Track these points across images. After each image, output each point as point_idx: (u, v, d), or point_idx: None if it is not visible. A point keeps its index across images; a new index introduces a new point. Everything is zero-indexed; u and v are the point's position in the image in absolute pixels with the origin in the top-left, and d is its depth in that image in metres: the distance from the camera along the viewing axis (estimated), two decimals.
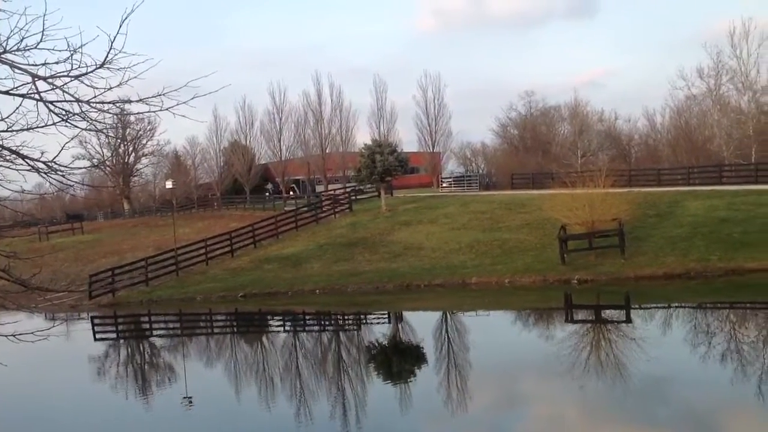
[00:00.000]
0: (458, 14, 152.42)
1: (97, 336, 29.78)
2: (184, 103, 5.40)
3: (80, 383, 20.02)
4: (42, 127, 5.35)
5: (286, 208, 49.73)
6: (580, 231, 29.16)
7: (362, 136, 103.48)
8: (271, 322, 29.53)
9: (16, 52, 5.10)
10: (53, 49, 5.08)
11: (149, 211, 77.69)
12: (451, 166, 73.51)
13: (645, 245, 28.94)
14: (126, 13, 5.00)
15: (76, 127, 5.49)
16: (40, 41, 5.03)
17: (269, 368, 20.13)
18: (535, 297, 27.14)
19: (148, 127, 76.75)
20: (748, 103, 49.56)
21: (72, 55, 5.09)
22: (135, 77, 5.25)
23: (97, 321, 32.60)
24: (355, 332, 25.53)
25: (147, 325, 31.96)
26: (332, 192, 54.01)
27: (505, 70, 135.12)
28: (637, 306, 24.55)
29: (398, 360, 19.77)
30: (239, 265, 36.94)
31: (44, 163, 5.49)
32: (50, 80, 5.15)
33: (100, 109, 5.42)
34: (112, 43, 5.05)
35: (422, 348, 20.61)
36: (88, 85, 5.22)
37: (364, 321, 27.25)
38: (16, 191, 5.85)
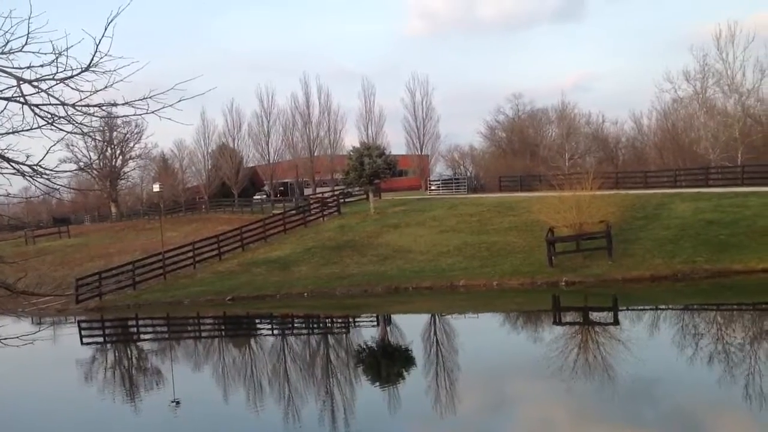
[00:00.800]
0: (446, 17, 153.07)
1: (84, 340, 29.58)
2: (170, 106, 5.40)
3: (67, 387, 19.87)
4: (27, 130, 5.32)
5: (274, 212, 49.64)
6: (567, 233, 29.26)
7: (350, 139, 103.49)
8: (259, 326, 29.42)
9: (1, 55, 5.08)
10: (38, 52, 5.07)
11: (136, 215, 77.39)
12: (440, 169, 73.75)
13: (632, 247, 29.07)
14: (111, 15, 4.99)
15: (61, 130, 5.47)
16: (25, 44, 5.02)
17: (257, 371, 20.07)
18: (524, 299, 27.19)
19: (136, 130, 76.48)
20: (734, 106, 49.91)
21: (57, 58, 5.08)
22: (121, 80, 5.24)
23: (84, 325, 32.40)
24: (344, 335, 25.48)
25: (134, 329, 31.76)
26: (320, 195, 53.96)
27: (493, 73, 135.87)
28: (624, 308, 24.66)
29: (387, 363, 19.73)
30: (227, 269, 36.82)
31: (29, 166, 5.47)
32: (35, 83, 5.13)
33: (85, 113, 5.40)
34: (97, 46, 5.04)
35: (411, 351, 20.59)
36: (73, 89, 5.21)
37: (353, 324, 27.22)
38: (1, 195, 5.83)
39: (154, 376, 20.68)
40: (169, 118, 5.53)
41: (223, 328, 30.33)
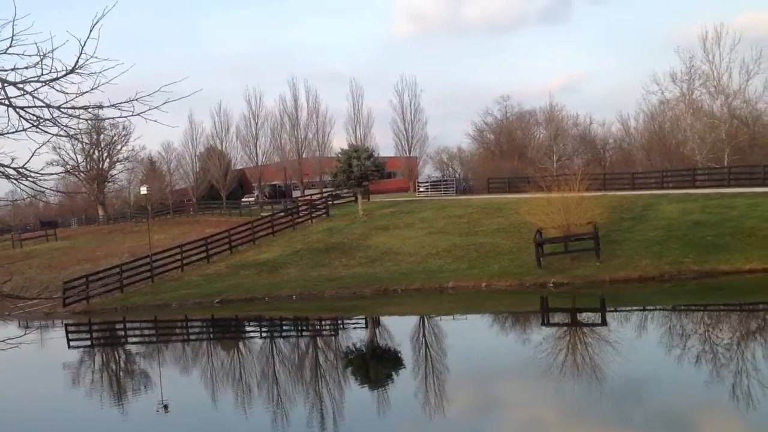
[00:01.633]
0: (435, 19, 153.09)
1: (71, 343, 29.41)
2: (156, 107, 5.38)
3: (54, 391, 19.71)
4: (12, 133, 5.29)
5: (262, 214, 49.53)
6: (556, 235, 29.35)
7: (339, 141, 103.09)
8: (247, 328, 29.34)
9: None
10: (23, 54, 5.04)
11: (124, 218, 76.99)
12: (428, 171, 73.83)
13: (620, 248, 29.20)
14: (97, 17, 4.96)
15: (47, 132, 5.44)
16: (10, 46, 4.99)
17: (246, 374, 20.00)
18: (512, 301, 27.25)
19: (123, 133, 76.22)
20: (720, 108, 50.25)
21: (42, 60, 5.05)
22: (107, 82, 5.22)
23: (71, 328, 32.20)
24: (333, 337, 25.45)
25: (122, 332, 31.59)
26: (309, 197, 53.89)
27: (481, 75, 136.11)
28: (612, 309, 24.76)
29: (376, 365, 19.73)
30: (215, 271, 36.70)
31: (15, 169, 5.43)
32: (20, 85, 5.10)
33: (71, 115, 5.38)
34: (83, 47, 5.02)
35: (400, 352, 20.60)
36: (59, 91, 5.19)
37: (342, 326, 27.18)
38: None
39: (142, 380, 20.56)
40: (156, 120, 5.51)
41: (211, 330, 30.22)
